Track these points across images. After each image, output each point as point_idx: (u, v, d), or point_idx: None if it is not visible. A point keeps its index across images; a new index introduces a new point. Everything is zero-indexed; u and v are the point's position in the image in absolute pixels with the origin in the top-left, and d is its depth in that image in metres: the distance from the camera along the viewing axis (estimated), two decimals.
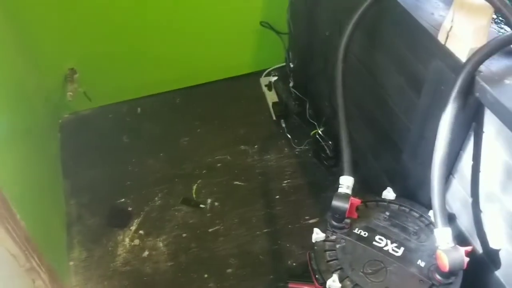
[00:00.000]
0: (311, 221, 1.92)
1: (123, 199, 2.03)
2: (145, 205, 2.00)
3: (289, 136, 2.23)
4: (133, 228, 1.94)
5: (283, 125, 2.27)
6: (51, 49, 2.08)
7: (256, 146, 2.21)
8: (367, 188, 1.82)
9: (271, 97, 2.39)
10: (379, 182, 1.70)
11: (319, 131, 2.04)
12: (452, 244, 1.06)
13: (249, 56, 2.44)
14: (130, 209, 2.00)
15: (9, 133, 1.58)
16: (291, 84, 2.28)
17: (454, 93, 1.03)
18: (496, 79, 1.03)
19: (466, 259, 1.06)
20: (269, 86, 2.42)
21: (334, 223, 1.24)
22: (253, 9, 2.24)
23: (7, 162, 1.46)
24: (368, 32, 1.53)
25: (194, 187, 2.06)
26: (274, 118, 2.31)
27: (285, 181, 2.06)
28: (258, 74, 2.49)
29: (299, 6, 2.04)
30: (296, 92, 2.25)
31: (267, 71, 2.48)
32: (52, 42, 2.07)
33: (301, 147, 2.19)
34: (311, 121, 2.14)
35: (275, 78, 2.41)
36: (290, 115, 2.30)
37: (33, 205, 1.60)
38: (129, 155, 2.18)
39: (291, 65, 2.27)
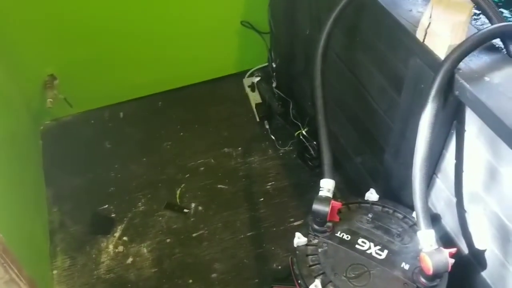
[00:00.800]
0: (295, 223, 1.89)
1: (106, 206, 1.99)
2: (129, 211, 1.97)
3: (273, 137, 2.20)
4: (116, 234, 1.90)
5: (267, 126, 2.24)
6: (30, 55, 2.03)
7: (239, 148, 2.18)
8: (352, 188, 1.80)
9: (254, 98, 2.35)
10: (364, 182, 1.69)
11: (303, 132, 2.02)
12: (436, 246, 1.03)
13: (231, 57, 2.41)
14: (113, 215, 1.96)
15: None
16: (274, 85, 2.25)
17: (433, 92, 1.01)
18: (476, 77, 1.01)
19: (451, 261, 1.04)
20: (252, 87, 2.38)
21: (316, 226, 1.22)
22: (233, 9, 2.20)
23: None
24: (348, 30, 1.51)
25: (178, 191, 2.02)
26: (258, 119, 2.28)
27: (269, 183, 2.04)
28: (241, 75, 2.45)
29: (280, 4, 2.01)
30: (279, 93, 2.22)
31: (250, 72, 2.45)
32: (31, 48, 2.02)
33: (285, 148, 2.17)
34: (295, 121, 2.11)
35: (258, 78, 2.37)
36: (273, 116, 2.27)
37: (14, 215, 1.57)
38: (111, 161, 2.14)
39: (274, 65, 2.25)
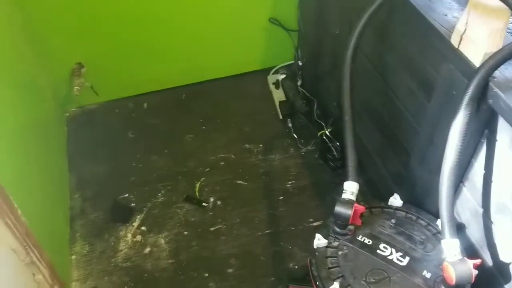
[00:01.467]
0: (314, 223, 1.88)
1: (126, 195, 2.01)
2: (148, 201, 1.98)
3: (295, 135, 2.19)
4: (135, 224, 1.92)
5: (290, 124, 2.23)
6: (59, 43, 2.07)
7: (261, 145, 2.17)
8: (374, 191, 1.78)
9: (278, 95, 2.35)
10: (387, 186, 1.67)
11: (326, 132, 2.00)
12: (460, 257, 1.02)
13: (257, 53, 2.40)
14: (133, 205, 1.98)
15: (17, 126, 1.58)
16: (299, 83, 2.24)
17: (466, 99, 0.99)
18: (511, 86, 0.98)
19: (474, 272, 1.02)
20: (277, 84, 2.38)
21: (337, 229, 1.21)
22: (262, 5, 2.20)
23: (12, 158, 1.45)
24: (379, 31, 1.48)
25: (197, 184, 2.03)
26: (281, 117, 2.27)
27: (289, 182, 2.03)
28: (265, 71, 2.45)
29: (309, 3, 1.99)
30: (304, 91, 2.21)
31: (275, 69, 2.44)
32: (61, 36, 2.05)
33: (307, 147, 2.15)
34: (319, 121, 2.09)
35: (283, 76, 2.36)
36: (297, 114, 2.26)
37: (36, 199, 1.60)
38: (133, 151, 2.16)
39: (300, 63, 2.23)
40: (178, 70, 2.33)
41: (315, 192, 1.99)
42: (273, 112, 2.31)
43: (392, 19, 1.41)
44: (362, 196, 1.70)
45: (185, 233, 1.88)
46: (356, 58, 1.34)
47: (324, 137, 2.01)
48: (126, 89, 2.34)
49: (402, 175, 1.50)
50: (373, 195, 1.80)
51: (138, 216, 1.94)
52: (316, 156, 2.12)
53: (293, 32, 2.24)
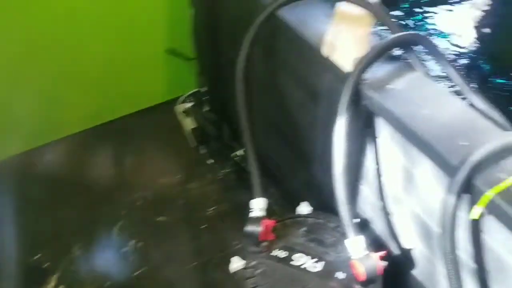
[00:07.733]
0: (240, 245, 1.87)
1: (38, 256, 1.86)
2: (63, 258, 1.85)
3: (211, 161, 2.18)
4: (52, 284, 1.79)
5: (204, 150, 2.23)
6: None
7: (178, 176, 2.14)
8: (292, 202, 1.82)
9: (189, 123, 2.33)
10: (300, 195, 1.70)
11: (238, 153, 2.02)
12: (366, 252, 1.06)
13: (158, 85, 2.37)
14: (47, 264, 1.83)
15: None
16: (206, 109, 2.26)
17: (342, 104, 1.05)
18: (380, 86, 1.06)
19: (383, 264, 1.07)
20: (185, 113, 2.37)
21: (252, 248, 1.22)
22: (156, 38, 2.19)
23: None
24: (266, 50, 1.54)
25: (115, 230, 1.95)
26: (194, 145, 2.26)
27: (211, 208, 2.01)
28: (172, 102, 2.43)
29: (202, 30, 2.03)
30: (213, 116, 2.22)
31: (181, 98, 2.43)
32: None
33: (224, 170, 2.15)
34: (231, 143, 2.11)
35: (191, 104, 2.36)
36: (209, 140, 2.26)
37: None
38: (41, 207, 2.01)
39: (204, 90, 2.25)
40: (80, 113, 2.22)
41: (237, 214, 1.95)
42: (185, 141, 2.28)
43: (276, 39, 1.47)
44: (281, 208, 1.74)
45: (107, 283, 1.76)
46: (252, 79, 1.37)
47: (235, 158, 2.03)
48: (25, 143, 2.19)
49: (309, 183, 1.55)
50: (292, 206, 1.83)
51: (54, 276, 1.80)
52: (234, 178, 2.13)
53: (193, 60, 2.26)
